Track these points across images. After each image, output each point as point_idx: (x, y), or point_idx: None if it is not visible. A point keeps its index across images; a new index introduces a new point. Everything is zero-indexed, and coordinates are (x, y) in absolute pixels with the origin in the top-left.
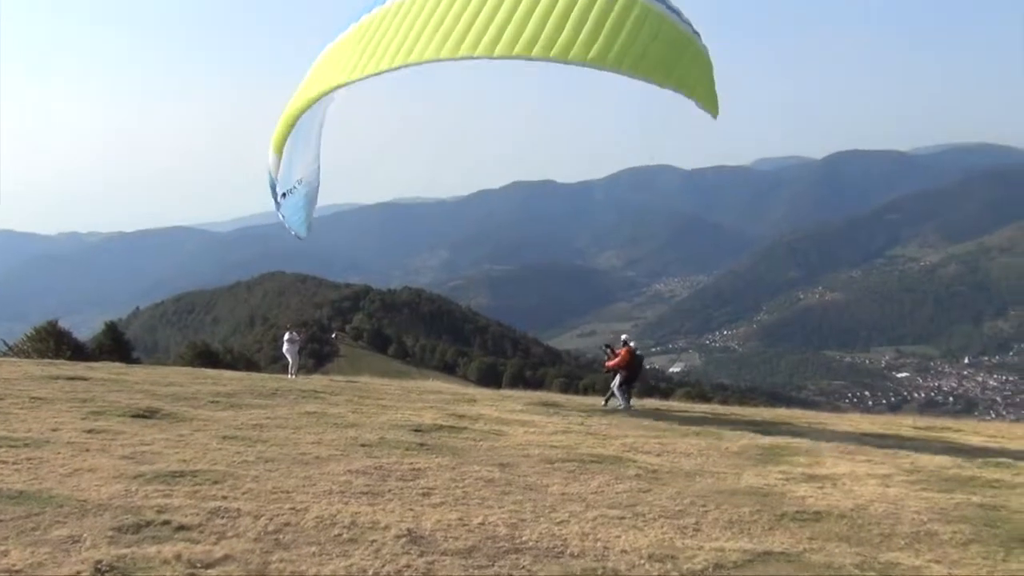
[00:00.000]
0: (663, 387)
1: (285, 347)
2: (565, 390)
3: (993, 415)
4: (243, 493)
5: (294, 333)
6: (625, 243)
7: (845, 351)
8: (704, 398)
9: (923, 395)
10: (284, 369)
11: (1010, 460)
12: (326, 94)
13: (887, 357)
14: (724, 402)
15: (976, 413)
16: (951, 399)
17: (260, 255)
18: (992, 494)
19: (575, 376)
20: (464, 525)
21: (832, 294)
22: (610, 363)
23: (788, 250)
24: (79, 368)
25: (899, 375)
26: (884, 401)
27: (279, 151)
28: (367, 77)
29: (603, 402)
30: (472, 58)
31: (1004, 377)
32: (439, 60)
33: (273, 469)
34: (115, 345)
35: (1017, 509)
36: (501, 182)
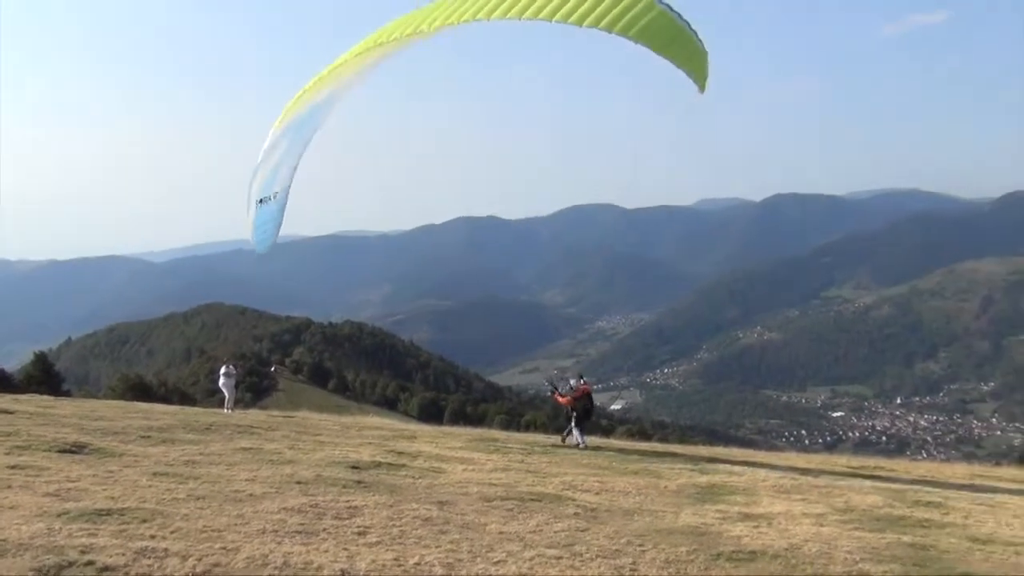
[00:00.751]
0: (604, 424)
1: (221, 380)
2: (506, 427)
3: (924, 455)
4: (172, 532)
5: (231, 366)
6: (569, 280)
7: (782, 390)
8: (644, 436)
9: (857, 434)
10: (220, 403)
11: (940, 500)
12: (365, 54)
13: (823, 396)
14: (664, 440)
15: (908, 452)
16: (884, 438)
17: (198, 285)
18: (922, 533)
19: (517, 413)
20: (400, 565)
21: (770, 334)
22: (563, 400)
23: (727, 289)
24: (5, 400)
25: (834, 414)
26: (820, 440)
27: (280, 124)
28: (410, 37)
29: (573, 442)
30: (505, 19)
31: (934, 417)
32: (479, 20)
33: (204, 507)
34: (44, 377)
35: (946, 549)
36: (445, 217)
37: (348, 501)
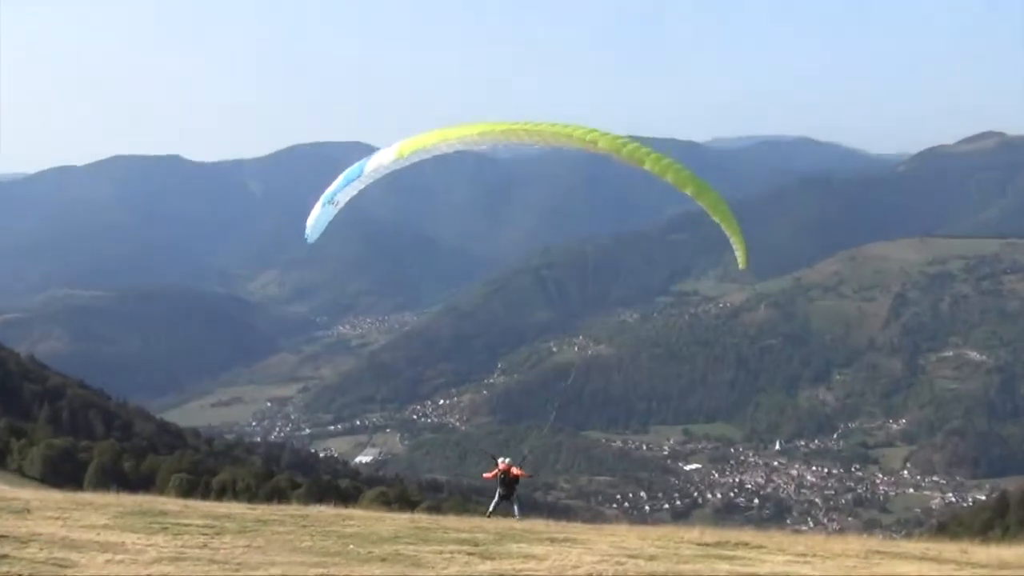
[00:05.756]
0: (344, 487)
1: None
2: (187, 492)
3: (811, 523)
4: None
5: None
6: (293, 261)
7: (614, 431)
8: (406, 502)
9: (719, 495)
10: None
11: None
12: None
13: (672, 440)
14: (435, 509)
15: (788, 520)
16: (756, 500)
17: None
18: None
19: (206, 469)
20: None
21: (597, 346)
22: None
23: (534, 277)
24: None
25: (688, 467)
26: (667, 505)
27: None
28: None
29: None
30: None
31: (825, 469)
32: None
33: None
34: None
35: None
36: (93, 155)
37: None
